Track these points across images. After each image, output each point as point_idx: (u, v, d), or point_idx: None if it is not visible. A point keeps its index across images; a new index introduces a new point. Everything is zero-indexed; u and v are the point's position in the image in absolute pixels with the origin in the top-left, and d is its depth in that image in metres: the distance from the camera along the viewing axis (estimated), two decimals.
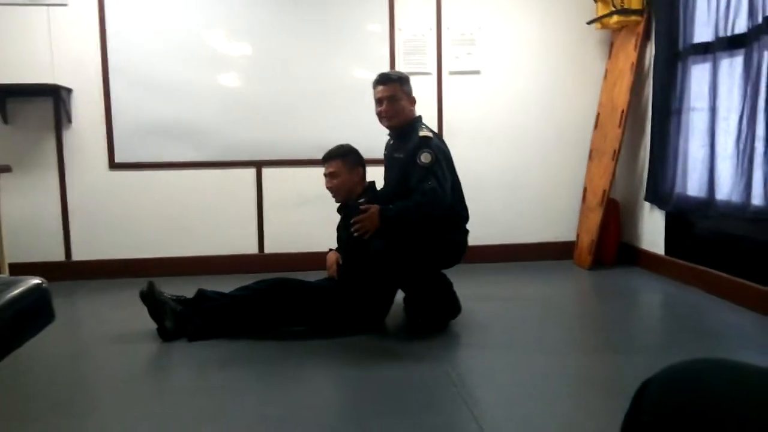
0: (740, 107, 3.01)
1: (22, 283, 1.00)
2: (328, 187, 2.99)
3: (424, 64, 4.14)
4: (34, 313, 1.01)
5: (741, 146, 3.00)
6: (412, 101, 2.96)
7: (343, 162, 2.95)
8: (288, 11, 4.01)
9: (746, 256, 3.11)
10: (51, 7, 3.81)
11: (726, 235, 3.30)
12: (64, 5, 3.82)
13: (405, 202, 2.73)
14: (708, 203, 3.26)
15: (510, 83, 4.24)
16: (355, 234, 2.76)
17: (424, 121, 2.99)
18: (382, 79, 2.92)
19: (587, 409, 2.06)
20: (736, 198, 3.04)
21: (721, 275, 3.26)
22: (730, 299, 3.16)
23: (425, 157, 2.72)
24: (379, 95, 2.90)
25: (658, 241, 3.87)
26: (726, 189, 3.15)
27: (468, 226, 2.97)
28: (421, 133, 2.82)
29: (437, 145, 2.81)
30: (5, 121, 3.81)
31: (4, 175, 3.42)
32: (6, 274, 3.32)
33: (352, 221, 2.78)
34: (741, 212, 3.00)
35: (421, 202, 2.70)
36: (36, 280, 1.03)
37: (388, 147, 3.09)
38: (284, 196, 4.11)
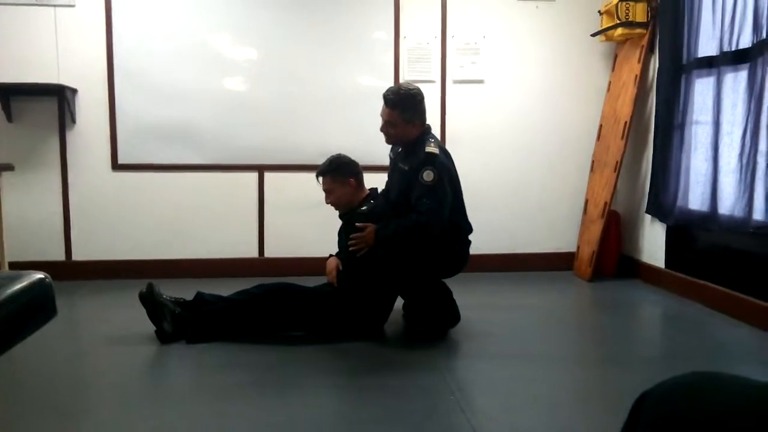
0: (743, 122, 3.01)
1: (25, 278, 1.00)
2: (327, 203, 3.00)
3: (429, 72, 4.15)
4: (36, 307, 1.01)
5: (744, 161, 3.00)
6: (415, 125, 2.85)
7: (332, 178, 2.96)
8: (293, 17, 4.02)
9: (747, 271, 3.11)
10: (58, 8, 3.83)
11: (727, 249, 3.30)
12: (71, 6, 3.84)
13: (402, 221, 2.73)
14: (710, 217, 3.26)
15: (513, 93, 4.25)
16: (351, 249, 2.79)
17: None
18: (384, 100, 2.86)
19: (585, 420, 2.06)
20: (738, 212, 3.04)
21: (721, 290, 3.25)
22: (731, 314, 3.15)
23: (428, 176, 2.70)
24: (380, 113, 2.89)
25: (658, 254, 3.87)
26: (728, 203, 3.14)
27: (470, 236, 2.97)
28: (428, 149, 2.77)
29: (442, 163, 2.77)
30: (9, 120, 3.83)
31: (7, 173, 3.43)
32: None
33: (349, 237, 2.80)
34: (743, 227, 3.00)
35: (417, 221, 2.70)
36: (39, 275, 1.04)
37: (394, 151, 3.07)
38: (286, 200, 4.12)
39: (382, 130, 2.91)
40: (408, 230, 2.72)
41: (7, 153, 3.74)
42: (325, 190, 2.98)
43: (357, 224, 2.82)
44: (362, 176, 3.03)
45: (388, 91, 2.88)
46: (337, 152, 3.05)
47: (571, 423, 2.03)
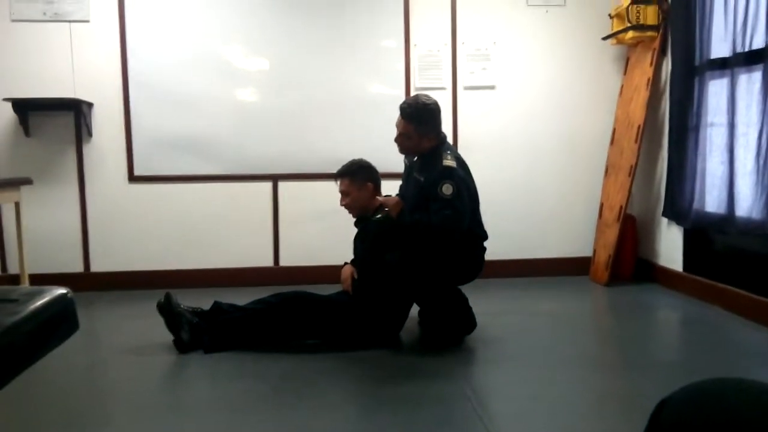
0: (759, 123, 2.98)
1: (47, 293, 1.01)
2: (341, 205, 3.02)
3: (440, 79, 4.16)
4: (58, 323, 1.02)
5: (761, 162, 2.97)
6: (430, 138, 2.85)
7: (351, 180, 2.98)
8: (304, 26, 4.05)
9: (766, 273, 3.07)
10: (73, 23, 3.89)
11: (745, 251, 3.26)
12: (86, 21, 3.90)
13: (424, 217, 2.72)
14: (727, 219, 3.22)
15: (525, 98, 4.25)
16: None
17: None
18: (400, 111, 2.86)
19: (603, 426, 2.04)
20: (756, 214, 3.01)
21: (740, 292, 3.21)
22: (749, 317, 3.11)
23: (446, 189, 2.69)
24: (396, 124, 2.90)
25: (675, 258, 3.83)
26: (745, 205, 3.11)
27: (485, 243, 2.96)
28: (445, 162, 2.75)
29: (460, 177, 2.76)
30: (27, 134, 3.89)
31: (26, 187, 3.49)
32: (26, 285, 3.37)
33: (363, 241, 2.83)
34: (761, 229, 2.97)
35: (437, 225, 2.69)
36: (61, 290, 1.04)
37: (409, 158, 3.06)
38: (300, 209, 4.14)
39: (396, 140, 2.92)
40: (426, 228, 2.71)
41: (25, 167, 3.80)
42: (341, 191, 3.00)
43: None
44: (380, 183, 3.05)
45: (404, 102, 2.90)
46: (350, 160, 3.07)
47: (589, 429, 2.01)
